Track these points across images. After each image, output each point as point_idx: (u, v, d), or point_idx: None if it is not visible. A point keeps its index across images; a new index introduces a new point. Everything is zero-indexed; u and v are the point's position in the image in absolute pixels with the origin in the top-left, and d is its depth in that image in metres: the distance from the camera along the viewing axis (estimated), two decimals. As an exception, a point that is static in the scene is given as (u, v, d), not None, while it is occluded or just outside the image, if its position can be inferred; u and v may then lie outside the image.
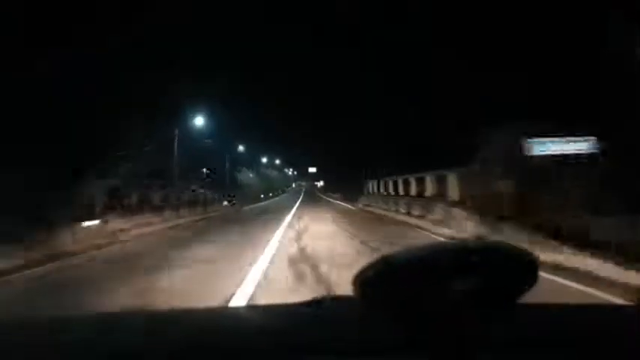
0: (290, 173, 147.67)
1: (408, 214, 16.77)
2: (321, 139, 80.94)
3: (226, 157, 39.87)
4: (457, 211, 12.19)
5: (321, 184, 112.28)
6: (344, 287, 0.97)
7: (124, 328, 0.93)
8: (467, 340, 0.67)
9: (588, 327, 0.89)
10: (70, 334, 0.89)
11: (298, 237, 11.23)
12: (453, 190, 14.54)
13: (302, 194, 63.14)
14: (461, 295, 0.67)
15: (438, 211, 13.64)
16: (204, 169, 36.57)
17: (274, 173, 72.92)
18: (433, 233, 11.88)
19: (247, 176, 47.33)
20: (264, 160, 65.95)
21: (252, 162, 56.40)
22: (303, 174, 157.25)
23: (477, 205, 11.44)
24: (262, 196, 44.06)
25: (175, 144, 25.53)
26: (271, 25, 56.25)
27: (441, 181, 16.03)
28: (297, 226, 14.13)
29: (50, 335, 0.88)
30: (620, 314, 1.13)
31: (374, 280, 0.70)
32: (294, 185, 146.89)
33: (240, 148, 44.27)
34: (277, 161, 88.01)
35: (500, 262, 0.70)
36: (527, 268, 0.72)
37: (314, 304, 0.98)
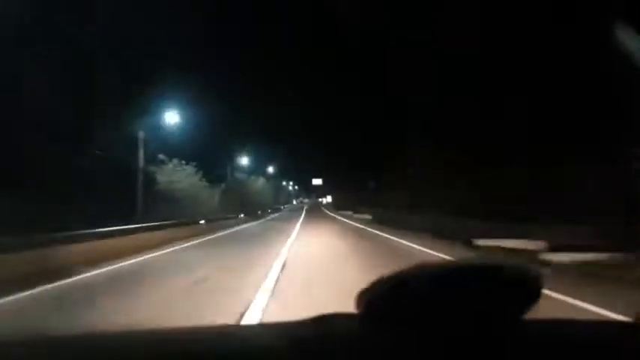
0: (290, 188, 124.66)
1: None
2: (330, 142, 58.05)
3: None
4: None
5: (328, 199, 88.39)
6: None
7: (125, 349, 0.85)
8: (472, 358, 0.67)
9: (591, 344, 0.84)
10: (67, 354, 0.82)
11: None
12: None
13: (303, 214, 40.04)
14: (464, 313, 0.68)
15: None
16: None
17: (260, 182, 48.89)
18: None
19: (184, 179, 22.48)
20: (245, 162, 42.52)
21: (219, 160, 33.09)
22: (305, 189, 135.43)
23: None
24: (202, 221, 18.92)
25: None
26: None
27: None
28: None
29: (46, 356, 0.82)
30: (624, 331, 1.00)
31: (378, 297, 0.71)
32: (295, 202, 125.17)
33: (171, 118, 20.78)
34: (270, 169, 64.60)
35: (503, 279, 0.71)
36: (530, 286, 0.72)
37: (315, 322, 0.89)
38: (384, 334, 0.74)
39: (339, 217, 34.63)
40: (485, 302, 0.69)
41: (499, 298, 0.70)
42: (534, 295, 0.73)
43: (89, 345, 0.87)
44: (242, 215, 26.68)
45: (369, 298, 0.71)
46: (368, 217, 30.88)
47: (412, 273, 0.69)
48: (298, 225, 22.69)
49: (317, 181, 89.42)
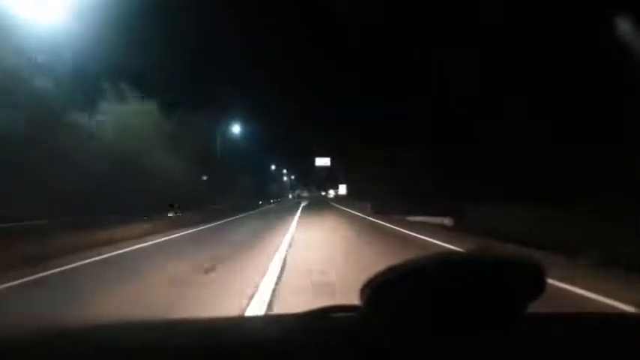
0: (286, 179, 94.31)
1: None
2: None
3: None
4: None
5: (341, 191, 57.42)
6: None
7: (134, 339, 0.86)
8: (475, 350, 0.67)
9: (595, 336, 0.84)
10: (76, 345, 0.82)
11: None
12: None
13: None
14: (468, 307, 0.68)
15: None
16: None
17: (149, 118, 17.86)
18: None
19: None
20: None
21: None
22: (304, 181, 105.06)
23: None
24: None
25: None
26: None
27: None
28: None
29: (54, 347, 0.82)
30: (628, 322, 1.03)
31: (382, 289, 0.70)
32: (290, 196, 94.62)
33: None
34: (236, 129, 33.85)
35: (508, 272, 0.70)
36: (534, 279, 0.72)
37: (319, 313, 0.91)
38: (384, 327, 0.73)
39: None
40: (490, 296, 0.68)
41: (503, 292, 0.70)
42: (538, 289, 0.72)
43: (101, 334, 0.87)
44: None
45: (372, 290, 0.70)
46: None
47: (416, 266, 0.68)
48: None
49: (322, 162, 57.86)
